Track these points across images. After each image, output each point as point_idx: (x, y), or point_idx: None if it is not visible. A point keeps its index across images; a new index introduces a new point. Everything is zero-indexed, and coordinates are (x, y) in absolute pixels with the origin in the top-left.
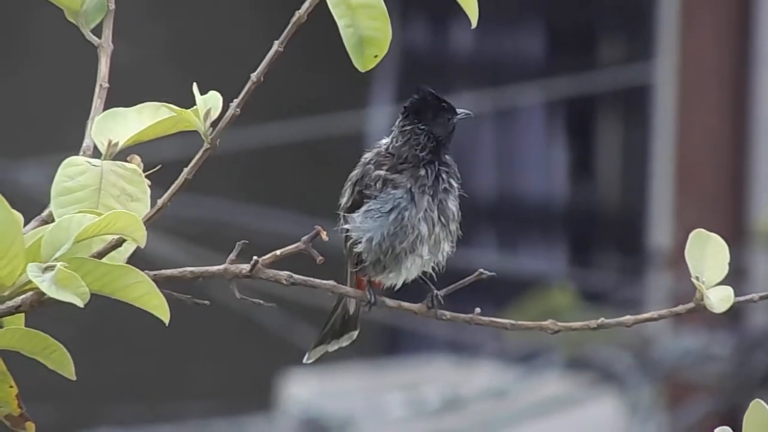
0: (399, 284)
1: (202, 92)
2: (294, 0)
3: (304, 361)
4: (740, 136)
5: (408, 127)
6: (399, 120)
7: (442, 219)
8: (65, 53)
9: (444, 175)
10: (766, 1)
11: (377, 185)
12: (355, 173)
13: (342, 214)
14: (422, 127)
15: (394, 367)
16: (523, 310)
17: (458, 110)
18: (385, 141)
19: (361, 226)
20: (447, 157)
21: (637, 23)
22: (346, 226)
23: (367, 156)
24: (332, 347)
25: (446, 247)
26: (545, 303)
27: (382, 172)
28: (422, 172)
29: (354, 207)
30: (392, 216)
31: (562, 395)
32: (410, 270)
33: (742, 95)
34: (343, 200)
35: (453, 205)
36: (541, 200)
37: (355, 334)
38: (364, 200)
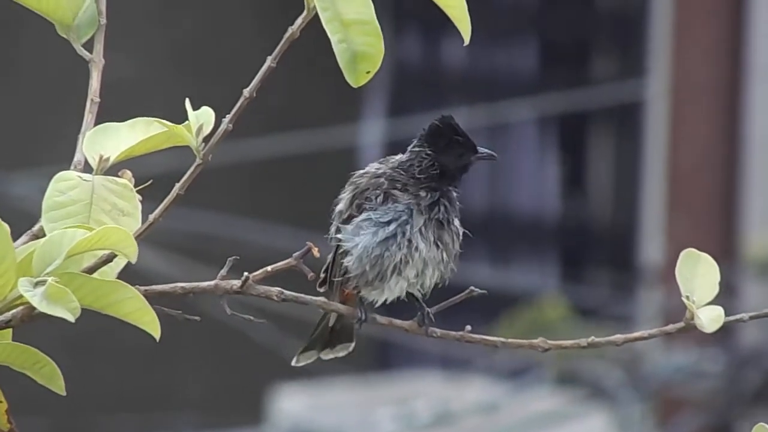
0: (380, 301)
1: (197, 103)
2: (292, 8)
3: (292, 363)
4: (731, 152)
5: (417, 149)
6: (415, 140)
7: (439, 243)
8: (57, 67)
9: (442, 207)
10: (757, 18)
11: (378, 199)
12: (358, 183)
13: (336, 223)
14: (429, 152)
15: (385, 382)
16: (514, 324)
17: (481, 150)
18: (398, 157)
19: (353, 236)
20: (453, 191)
21: (630, 40)
22: (339, 236)
23: (373, 168)
24: (326, 356)
25: (434, 274)
26: (536, 317)
27: (386, 186)
28: (422, 193)
29: (350, 218)
30: (390, 228)
31: (553, 411)
32: (393, 290)
33: (734, 112)
34: (339, 207)
35: (449, 237)
36: (532, 215)
37: (351, 346)
38: (362, 212)
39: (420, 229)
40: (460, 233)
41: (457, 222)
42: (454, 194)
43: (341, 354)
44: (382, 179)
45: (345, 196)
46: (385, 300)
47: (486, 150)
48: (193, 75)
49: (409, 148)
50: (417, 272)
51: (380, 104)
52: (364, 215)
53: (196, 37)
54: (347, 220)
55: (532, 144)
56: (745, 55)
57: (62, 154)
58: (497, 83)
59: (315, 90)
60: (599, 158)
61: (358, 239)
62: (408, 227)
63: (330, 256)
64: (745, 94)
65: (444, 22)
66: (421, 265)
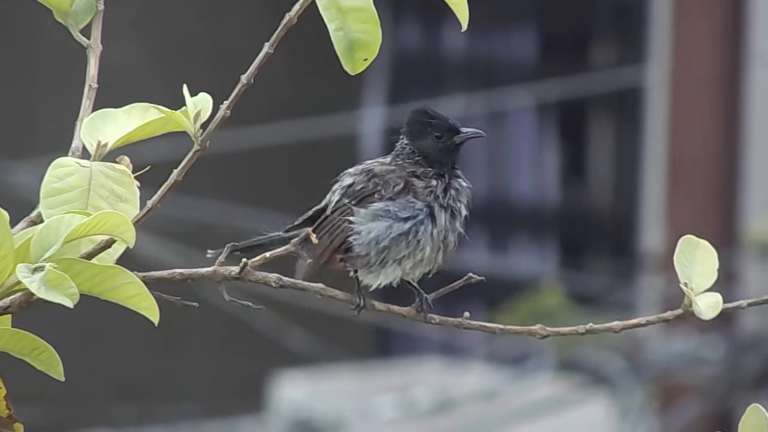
0: (374, 285)
1: (194, 93)
2: (285, 0)
3: (210, 255)
4: (732, 139)
5: (397, 143)
6: (404, 137)
7: (441, 246)
8: (54, 54)
9: (453, 191)
10: (757, 6)
11: (396, 188)
12: (371, 168)
13: (345, 200)
14: (406, 141)
15: (385, 369)
16: (514, 311)
17: (464, 129)
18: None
19: (368, 221)
20: (461, 180)
21: (629, 26)
22: (352, 218)
23: (378, 160)
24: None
25: (427, 268)
26: (536, 304)
27: (406, 176)
28: (434, 182)
29: (362, 200)
30: (406, 225)
31: (553, 397)
32: (388, 276)
33: (734, 99)
34: (350, 182)
35: (453, 237)
36: (532, 203)
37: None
38: (377, 194)
39: (432, 232)
40: (462, 231)
41: (464, 211)
42: (464, 184)
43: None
44: (394, 167)
45: (359, 177)
46: (379, 284)
47: (470, 129)
48: (190, 61)
49: (399, 145)
50: (414, 265)
51: (379, 92)
52: (382, 204)
53: (195, 24)
54: (359, 195)
55: (532, 131)
56: (745, 43)
57: (60, 142)
58: (496, 70)
59: (314, 78)
60: (599, 145)
61: (372, 225)
62: (422, 228)
63: (327, 224)
64: (745, 81)
65: (442, 10)
66: (419, 262)
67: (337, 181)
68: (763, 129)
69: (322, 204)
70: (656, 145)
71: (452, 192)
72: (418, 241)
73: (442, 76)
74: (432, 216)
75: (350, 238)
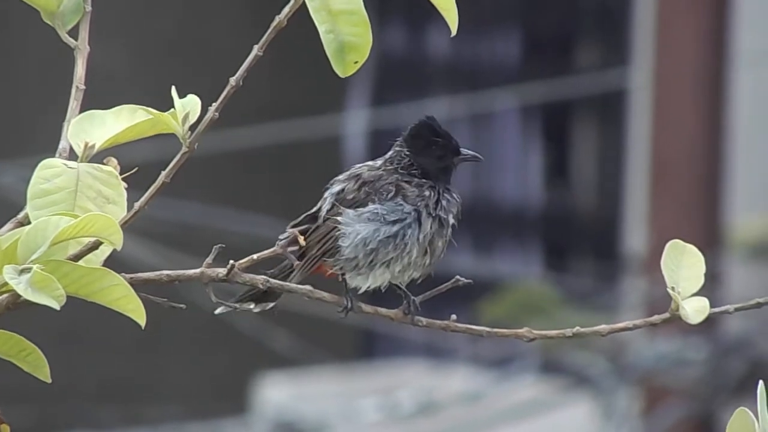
0: (363, 288)
1: (183, 91)
2: (269, 1)
3: (216, 312)
4: (715, 141)
5: (397, 148)
6: (398, 138)
7: (428, 249)
8: (42, 55)
9: (444, 202)
10: (741, 6)
11: (388, 195)
12: (361, 174)
13: (333, 201)
14: (407, 153)
15: (369, 371)
16: (496, 307)
17: (464, 151)
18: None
19: (355, 222)
20: (449, 191)
21: (613, 28)
22: (340, 218)
23: (367, 165)
24: (242, 307)
25: (416, 273)
26: (520, 298)
27: (396, 181)
28: (426, 192)
29: (355, 204)
30: (394, 228)
31: (537, 399)
32: (377, 279)
33: (718, 100)
34: (341, 188)
35: (441, 242)
36: (516, 204)
37: (270, 306)
38: (369, 199)
39: (419, 237)
40: (450, 238)
41: (452, 221)
42: (455, 198)
43: (255, 309)
44: (382, 172)
45: (348, 184)
46: (368, 287)
47: (469, 152)
48: (179, 63)
49: (393, 147)
50: (402, 269)
51: (364, 94)
52: (371, 206)
53: (183, 25)
54: (352, 204)
55: (516, 133)
56: (729, 43)
57: (47, 144)
58: (480, 72)
59: (299, 80)
60: (583, 147)
61: (359, 227)
62: (410, 231)
63: (319, 232)
64: (729, 81)
65: (427, 13)
66: (407, 265)
67: (327, 188)
68: (748, 130)
69: (313, 210)
70: (640, 147)
71: (443, 203)
72: (405, 245)
73: (426, 78)
74: (419, 221)
75: (339, 241)
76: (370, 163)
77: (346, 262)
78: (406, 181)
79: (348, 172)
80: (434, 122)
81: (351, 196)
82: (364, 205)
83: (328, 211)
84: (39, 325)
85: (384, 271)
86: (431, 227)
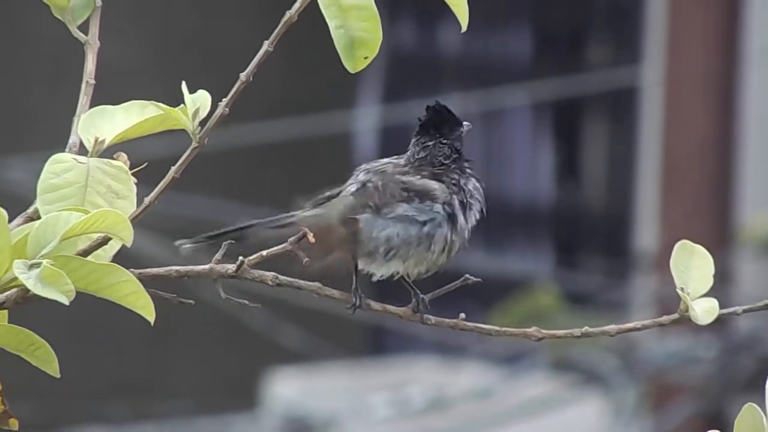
0: (376, 276)
1: (194, 87)
2: None
3: (176, 243)
4: (726, 138)
5: (430, 143)
6: (416, 136)
7: (444, 247)
8: (51, 50)
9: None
10: (753, 5)
11: (411, 194)
12: (391, 170)
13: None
14: (444, 141)
15: (379, 367)
16: (508, 312)
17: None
18: (404, 157)
19: (382, 219)
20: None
21: (625, 26)
22: (363, 215)
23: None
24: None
25: (425, 269)
26: (530, 305)
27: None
28: (455, 176)
29: (381, 202)
30: (425, 229)
31: (547, 396)
32: (389, 269)
33: (729, 98)
34: (361, 180)
35: (459, 239)
36: (526, 202)
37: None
38: (395, 202)
39: (447, 235)
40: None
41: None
42: (478, 183)
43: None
44: (407, 168)
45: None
46: (381, 276)
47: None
48: (189, 59)
49: (415, 147)
50: (416, 263)
51: (375, 90)
52: (402, 208)
53: (194, 21)
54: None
55: (527, 130)
56: (740, 42)
57: (55, 139)
58: (491, 69)
59: (309, 76)
60: (594, 144)
61: (385, 223)
62: (439, 230)
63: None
64: (740, 80)
65: (438, 8)
66: (423, 260)
67: (352, 175)
68: (759, 128)
69: (335, 191)
70: (651, 145)
71: (470, 189)
72: (431, 244)
73: (437, 75)
74: (451, 217)
75: (361, 233)
76: (394, 160)
77: (365, 252)
78: (435, 177)
79: (374, 165)
80: (443, 104)
81: (376, 194)
82: (390, 204)
83: (352, 193)
84: (48, 320)
85: (397, 263)
86: (466, 221)
